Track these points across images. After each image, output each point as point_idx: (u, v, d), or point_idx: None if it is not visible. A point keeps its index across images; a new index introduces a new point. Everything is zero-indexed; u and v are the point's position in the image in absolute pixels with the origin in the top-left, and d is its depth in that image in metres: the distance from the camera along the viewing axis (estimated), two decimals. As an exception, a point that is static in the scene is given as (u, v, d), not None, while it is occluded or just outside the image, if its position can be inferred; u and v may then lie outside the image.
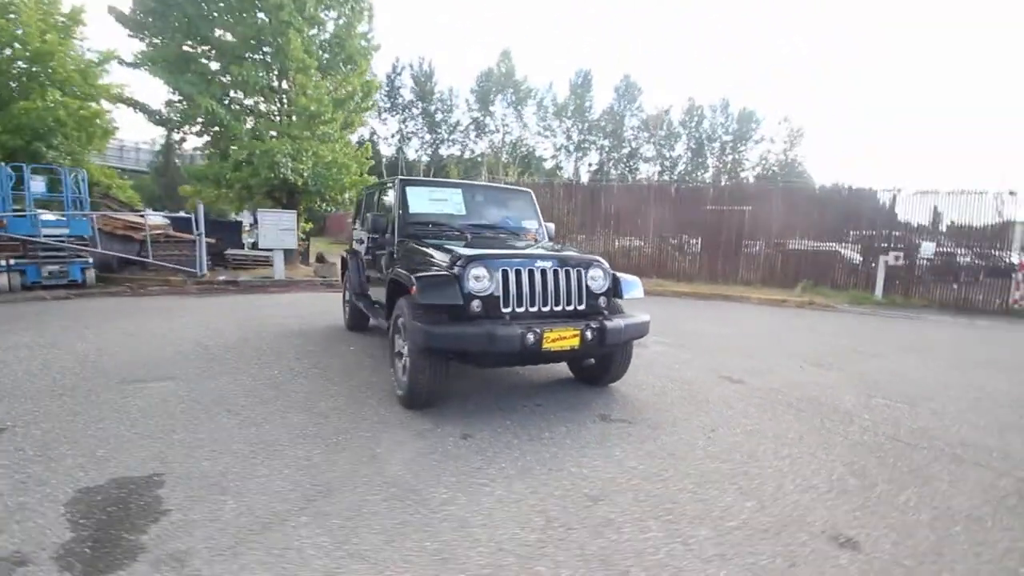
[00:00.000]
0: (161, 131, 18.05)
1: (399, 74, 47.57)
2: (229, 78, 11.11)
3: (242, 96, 11.79)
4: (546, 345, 3.15)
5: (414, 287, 3.09)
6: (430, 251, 3.67)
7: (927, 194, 11.57)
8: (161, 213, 12.71)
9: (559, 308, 3.42)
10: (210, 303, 7.80)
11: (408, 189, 4.42)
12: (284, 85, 12.02)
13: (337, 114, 11.45)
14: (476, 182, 5.43)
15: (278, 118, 12.34)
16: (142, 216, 10.68)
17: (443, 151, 49.60)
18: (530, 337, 3.08)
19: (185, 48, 10.73)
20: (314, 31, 11.95)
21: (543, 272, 3.40)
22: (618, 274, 3.76)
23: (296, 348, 5.00)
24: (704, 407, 3.67)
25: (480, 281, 3.22)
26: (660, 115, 50.97)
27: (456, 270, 3.25)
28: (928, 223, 11.63)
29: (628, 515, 2.21)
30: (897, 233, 11.75)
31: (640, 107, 51.16)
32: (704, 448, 2.96)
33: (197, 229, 9.60)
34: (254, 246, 15.16)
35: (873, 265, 11.55)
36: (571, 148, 52.26)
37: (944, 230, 11.67)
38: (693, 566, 1.89)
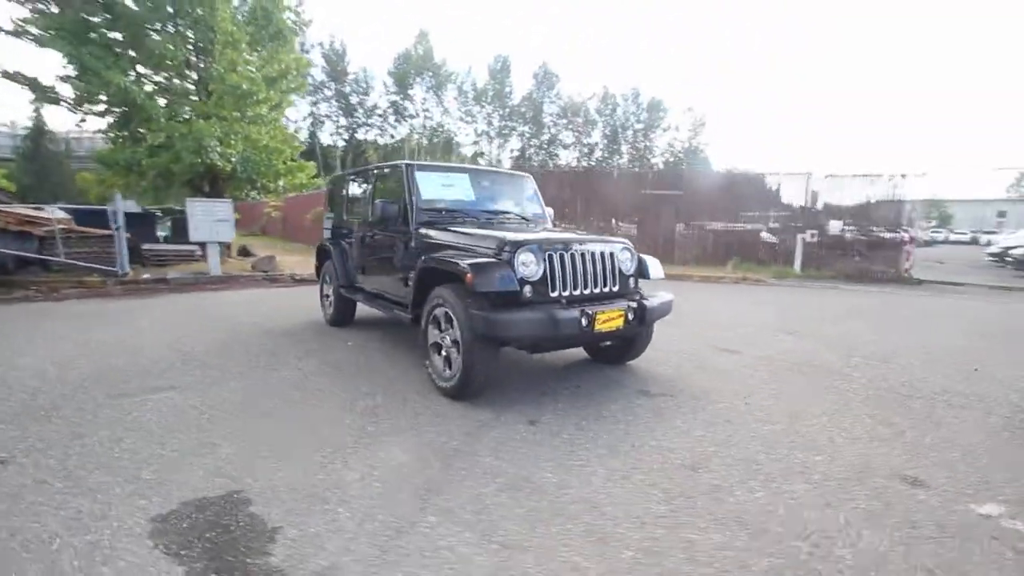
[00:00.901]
0: (27, 112, 15.42)
1: (307, 52, 44.54)
2: (136, 52, 9.78)
3: (151, 72, 10.43)
4: (597, 327, 3.22)
5: (469, 275, 2.99)
6: (464, 238, 3.57)
7: (833, 178, 13.05)
8: (57, 204, 10.98)
9: (597, 290, 3.49)
10: (150, 305, 6.95)
11: (418, 175, 4.23)
12: (201, 60, 10.81)
13: (271, 93, 10.53)
14: (479, 167, 5.29)
15: (196, 97, 11.10)
16: (40, 208, 9.19)
17: (361, 135, 47.37)
18: (584, 320, 3.13)
19: (84, 16, 9.23)
20: (236, 1, 10.84)
21: (582, 255, 3.44)
22: (642, 256, 3.90)
23: (288, 347, 4.64)
24: (723, 377, 3.94)
25: (528, 267, 3.20)
26: (582, 103, 52.35)
27: (505, 256, 3.20)
28: (840, 204, 13.15)
29: (730, 479, 2.36)
30: (818, 209, 13.20)
31: (558, 94, 52.18)
32: (750, 413, 3.19)
33: (116, 222, 8.45)
34: (166, 240, 13.67)
35: (787, 242, 12.93)
36: (492, 134, 52.19)
37: (847, 209, 13.26)
38: (817, 516, 2.06)
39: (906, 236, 12.23)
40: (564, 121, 53.41)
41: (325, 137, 46.21)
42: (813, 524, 2.01)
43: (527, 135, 53.26)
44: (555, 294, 3.30)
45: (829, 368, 4.21)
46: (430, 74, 47.67)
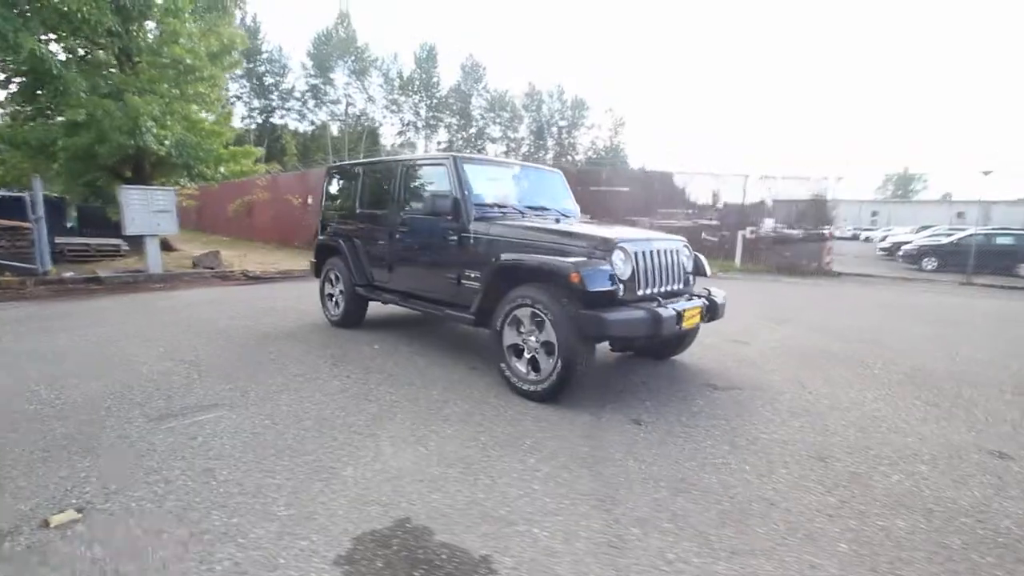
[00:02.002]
0: None
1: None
2: (45, 14, 8.31)
3: (68, 37, 8.93)
4: (684, 323, 3.27)
5: (576, 274, 2.90)
6: (548, 236, 3.45)
7: (766, 179, 14.26)
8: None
9: (669, 288, 3.55)
10: (94, 309, 5.99)
11: (467, 168, 4.01)
12: (127, 27, 9.43)
13: (214, 69, 9.45)
14: (516, 161, 5.13)
15: (116, 69, 9.69)
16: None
17: (277, 119, 44.05)
18: (678, 317, 3.17)
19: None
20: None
21: (659, 253, 3.47)
22: (697, 253, 4.01)
23: (308, 353, 4.22)
24: (760, 367, 4.17)
25: (621, 265, 3.18)
26: (509, 99, 52.52)
27: (599, 254, 3.15)
28: (766, 202, 14.37)
29: (861, 465, 2.51)
30: (759, 201, 14.32)
31: (486, 87, 52.03)
32: (819, 401, 3.41)
33: (35, 212, 7.17)
34: (71, 231, 11.92)
35: (726, 238, 14.00)
36: (420, 125, 50.92)
37: (772, 207, 14.58)
38: (956, 494, 2.26)
39: (827, 233, 13.71)
40: (492, 115, 53.38)
41: (235, 120, 42.43)
42: (961, 501, 2.20)
43: (454, 127, 52.60)
44: (641, 292, 3.30)
45: (840, 354, 4.61)
46: (352, 58, 45.40)
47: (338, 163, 5.97)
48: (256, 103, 43.79)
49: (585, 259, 3.10)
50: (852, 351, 4.74)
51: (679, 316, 3.18)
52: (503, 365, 3.40)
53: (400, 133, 49.89)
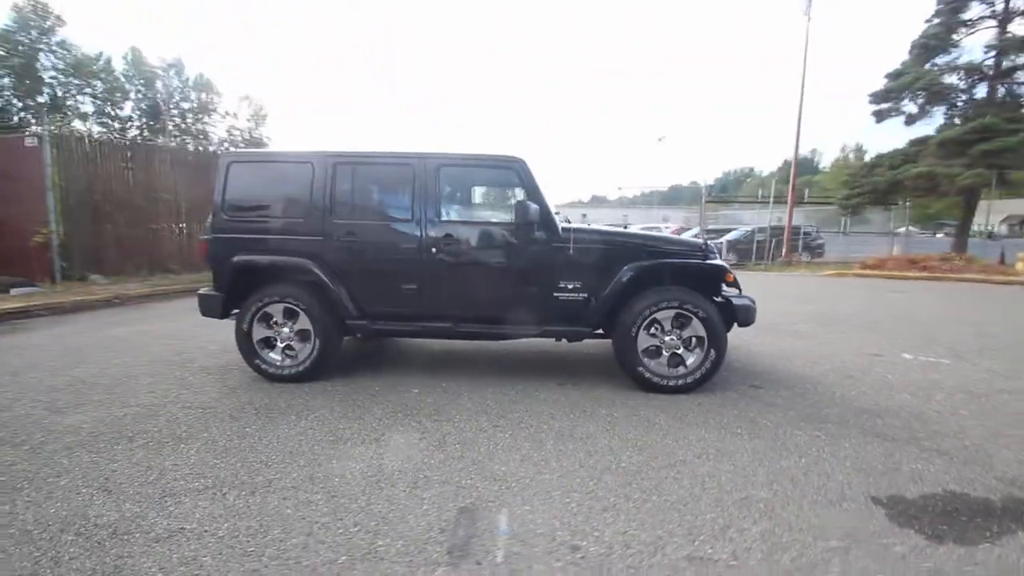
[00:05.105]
0: None
1: None
2: None
3: None
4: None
5: (731, 274, 3.58)
6: (655, 241, 3.92)
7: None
8: None
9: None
10: None
11: (531, 170, 3.87)
12: None
13: None
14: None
15: None
16: None
17: None
18: None
19: None
20: None
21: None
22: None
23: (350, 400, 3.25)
24: (790, 359, 4.87)
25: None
26: (104, 64, 39.68)
27: (699, 255, 3.87)
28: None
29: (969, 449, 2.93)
30: None
31: (66, 43, 37.66)
32: (873, 386, 4.06)
33: None
34: None
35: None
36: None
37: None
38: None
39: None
40: (78, 83, 39.40)
41: None
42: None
43: (8, 93, 36.18)
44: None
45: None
46: None
47: (259, 153, 4.18)
48: None
49: (700, 260, 3.79)
50: (884, 322, 6.90)
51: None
52: (639, 368, 3.68)
53: None
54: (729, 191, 70.68)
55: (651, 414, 3.34)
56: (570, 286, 3.81)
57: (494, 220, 4.08)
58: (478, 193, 3.98)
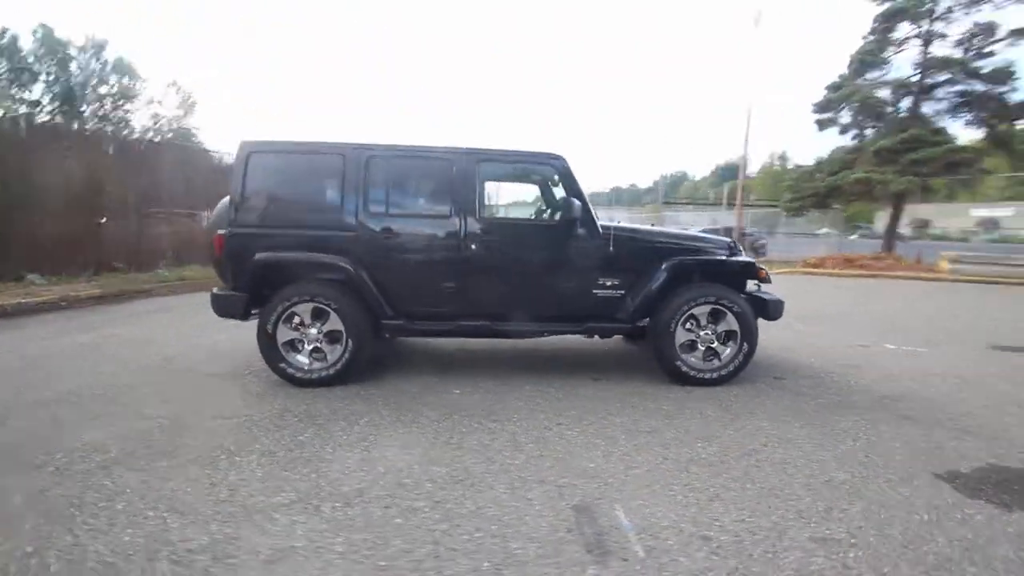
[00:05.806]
0: None
1: None
2: None
3: None
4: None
5: (764, 270, 3.75)
6: (687, 240, 4.02)
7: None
8: None
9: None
10: None
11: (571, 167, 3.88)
12: None
13: None
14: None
15: None
16: None
17: None
18: None
19: None
20: None
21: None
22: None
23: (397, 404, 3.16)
24: (814, 353, 5.06)
25: (745, 261, 4.21)
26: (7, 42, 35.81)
27: (727, 253, 4.05)
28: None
29: (986, 428, 3.33)
30: None
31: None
32: (878, 375, 4.35)
33: None
34: None
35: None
36: None
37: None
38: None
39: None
40: (-24, 59, 35.20)
41: None
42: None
43: None
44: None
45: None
46: None
47: (283, 143, 3.87)
48: None
49: (729, 257, 3.95)
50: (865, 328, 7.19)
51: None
52: (677, 362, 3.78)
53: None
54: (668, 194, 73.83)
55: (699, 406, 3.46)
56: (608, 283, 3.86)
57: (534, 216, 4.06)
58: (516, 189, 3.94)
